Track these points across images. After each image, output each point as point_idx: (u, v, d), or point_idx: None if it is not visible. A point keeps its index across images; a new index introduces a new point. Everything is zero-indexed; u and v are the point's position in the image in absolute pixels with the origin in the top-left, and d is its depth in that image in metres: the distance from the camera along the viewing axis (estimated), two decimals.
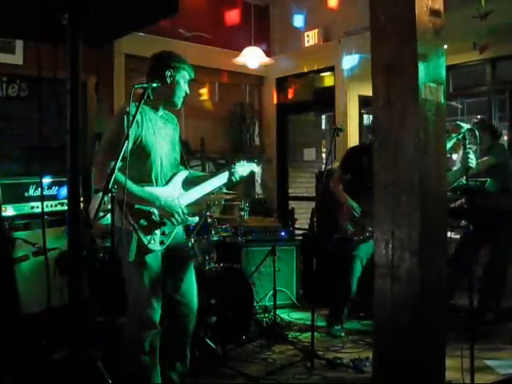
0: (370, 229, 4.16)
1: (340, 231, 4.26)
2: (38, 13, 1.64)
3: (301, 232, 5.80)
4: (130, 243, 2.54)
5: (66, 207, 1.63)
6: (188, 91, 2.77)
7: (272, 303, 4.24)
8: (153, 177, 2.67)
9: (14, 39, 4.60)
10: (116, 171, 2.18)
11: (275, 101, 7.14)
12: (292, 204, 6.81)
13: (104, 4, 1.61)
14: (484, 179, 4.10)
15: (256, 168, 3.08)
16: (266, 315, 4.43)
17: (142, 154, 2.60)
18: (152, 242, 2.60)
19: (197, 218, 2.87)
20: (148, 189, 2.63)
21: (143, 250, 2.57)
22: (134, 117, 2.33)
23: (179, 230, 2.80)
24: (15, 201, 3.69)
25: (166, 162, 2.72)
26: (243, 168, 2.97)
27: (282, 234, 5.16)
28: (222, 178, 2.90)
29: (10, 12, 1.63)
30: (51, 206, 3.94)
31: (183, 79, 2.72)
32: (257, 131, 7.18)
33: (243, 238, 4.68)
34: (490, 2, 4.36)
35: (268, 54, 6.51)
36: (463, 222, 4.38)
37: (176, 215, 2.65)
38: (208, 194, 2.94)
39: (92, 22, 1.63)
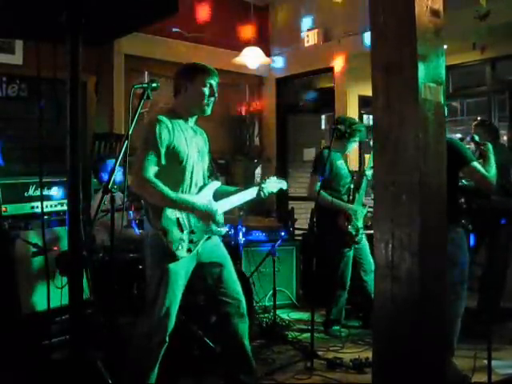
0: (361, 228, 4.17)
1: (340, 234, 4.20)
2: (37, 13, 1.64)
3: (301, 232, 5.80)
4: (160, 250, 2.59)
5: (65, 207, 1.63)
6: (212, 95, 2.76)
7: (272, 303, 4.24)
8: (185, 184, 2.70)
9: (14, 39, 4.60)
10: (116, 171, 2.21)
11: (275, 101, 7.13)
12: (292, 204, 6.80)
13: (104, 4, 1.61)
14: None
15: (285, 185, 3.17)
16: (266, 315, 4.43)
17: (174, 161, 2.63)
18: (180, 248, 2.61)
19: (226, 228, 2.99)
20: (182, 195, 2.67)
21: (170, 256, 2.59)
22: (134, 118, 2.34)
23: (214, 238, 2.83)
24: (15, 201, 3.69)
25: (197, 171, 2.76)
26: (272, 184, 3.05)
27: (282, 234, 5.16)
28: (251, 193, 2.99)
29: (9, 12, 1.63)
30: (51, 206, 3.94)
31: (203, 85, 2.72)
32: (257, 131, 7.18)
33: (243, 238, 4.68)
34: (490, 1, 4.36)
35: (268, 54, 6.51)
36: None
37: (215, 217, 2.72)
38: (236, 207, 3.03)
39: (92, 22, 1.63)
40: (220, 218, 2.79)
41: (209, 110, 2.78)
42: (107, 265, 3.51)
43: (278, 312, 4.30)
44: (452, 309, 3.24)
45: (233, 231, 4.60)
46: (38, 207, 3.74)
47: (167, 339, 2.63)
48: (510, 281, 4.33)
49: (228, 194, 2.94)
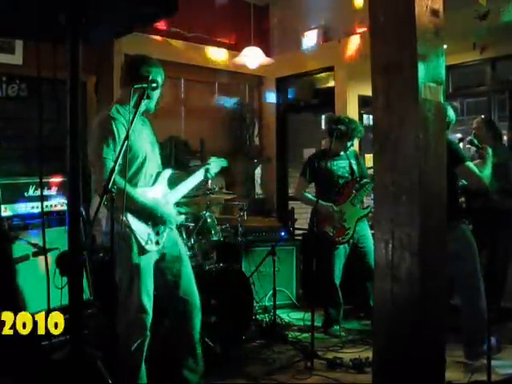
0: (348, 229, 4.18)
1: (322, 236, 4.22)
2: (37, 13, 1.64)
3: (301, 232, 5.80)
4: (130, 246, 2.59)
5: (65, 207, 1.63)
6: (160, 96, 2.80)
7: (272, 303, 4.24)
8: (141, 177, 2.71)
9: (14, 39, 4.60)
10: (115, 173, 2.21)
11: (275, 101, 7.13)
12: (292, 204, 6.80)
13: (104, 4, 1.61)
14: None
15: (225, 163, 3.25)
16: (266, 315, 4.42)
17: (129, 155, 2.55)
18: (149, 242, 2.64)
19: (183, 217, 3.17)
20: (140, 190, 2.68)
21: (140, 251, 2.61)
22: (134, 118, 2.34)
23: (173, 230, 2.86)
24: (15, 201, 3.69)
25: (150, 163, 2.76)
26: (216, 164, 3.14)
27: (282, 234, 5.16)
28: (199, 176, 3.06)
29: (9, 12, 1.63)
30: (51, 206, 3.94)
31: (159, 83, 2.72)
32: (256, 131, 7.18)
33: (243, 238, 4.67)
34: (490, 1, 4.36)
35: (268, 54, 6.51)
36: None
37: (169, 223, 2.76)
38: (192, 189, 3.11)
39: (92, 22, 1.63)
40: (174, 213, 2.83)
41: (154, 108, 2.81)
42: (107, 265, 3.50)
43: (277, 312, 4.29)
44: (473, 304, 3.29)
45: (233, 231, 4.60)
46: (37, 207, 3.74)
47: (148, 333, 2.64)
48: (510, 281, 4.32)
49: (180, 180, 2.99)
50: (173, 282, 2.81)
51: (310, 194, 4.39)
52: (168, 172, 2.92)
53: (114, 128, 2.55)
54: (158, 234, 2.71)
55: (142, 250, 2.62)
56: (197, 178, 3.05)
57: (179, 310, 2.83)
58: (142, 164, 2.69)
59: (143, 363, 2.67)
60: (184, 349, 2.87)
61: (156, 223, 2.70)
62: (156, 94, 2.75)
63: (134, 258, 2.60)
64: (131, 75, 2.66)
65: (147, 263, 2.66)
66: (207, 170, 3.08)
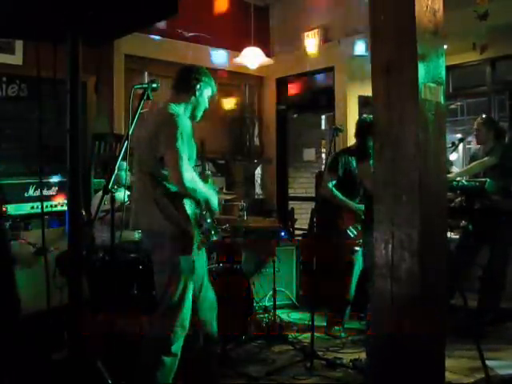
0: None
1: (340, 235, 4.19)
2: (37, 13, 1.64)
3: (301, 232, 5.81)
4: (191, 243, 2.65)
5: (65, 207, 1.64)
6: (208, 107, 2.92)
7: (272, 303, 4.24)
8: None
9: (14, 39, 4.60)
10: (116, 170, 2.21)
11: (275, 101, 7.13)
12: (292, 204, 6.80)
13: (104, 4, 1.61)
14: (484, 179, 4.10)
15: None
16: (266, 315, 4.42)
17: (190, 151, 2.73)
18: (200, 239, 2.74)
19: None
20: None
21: (196, 248, 2.70)
22: (134, 118, 2.34)
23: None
24: (15, 201, 3.69)
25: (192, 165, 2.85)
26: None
27: (282, 234, 5.16)
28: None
29: (9, 12, 1.63)
30: (51, 206, 3.94)
31: (207, 94, 2.88)
32: (256, 131, 7.18)
33: (243, 238, 4.67)
34: (490, 1, 4.36)
35: (268, 54, 6.51)
36: (463, 223, 4.38)
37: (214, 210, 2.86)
38: None
39: (91, 22, 1.63)
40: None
41: (200, 118, 2.94)
42: (107, 265, 3.50)
43: (278, 312, 4.29)
44: None
45: (233, 231, 4.60)
46: (37, 207, 3.74)
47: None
48: (510, 281, 4.33)
49: None
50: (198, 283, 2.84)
51: (338, 192, 4.22)
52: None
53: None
54: (203, 233, 2.79)
55: (197, 247, 2.71)
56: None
57: (198, 309, 2.85)
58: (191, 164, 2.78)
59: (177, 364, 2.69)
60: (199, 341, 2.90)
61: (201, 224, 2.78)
62: (203, 104, 2.88)
63: (194, 254, 2.68)
64: (181, 83, 2.85)
65: (199, 262, 2.76)
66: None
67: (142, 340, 2.74)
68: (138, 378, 2.65)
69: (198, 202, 2.74)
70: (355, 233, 4.17)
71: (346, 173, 4.21)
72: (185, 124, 2.68)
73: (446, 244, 2.40)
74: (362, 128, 3.99)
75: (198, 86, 2.81)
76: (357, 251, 4.18)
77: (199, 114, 2.90)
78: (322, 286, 4.30)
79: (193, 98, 2.82)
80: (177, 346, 2.64)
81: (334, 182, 4.25)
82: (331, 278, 4.34)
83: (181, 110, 2.76)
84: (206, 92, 2.87)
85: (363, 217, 4.09)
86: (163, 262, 2.68)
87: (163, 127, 2.66)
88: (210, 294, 2.93)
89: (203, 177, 2.93)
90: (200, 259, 2.78)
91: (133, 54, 5.78)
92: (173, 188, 2.66)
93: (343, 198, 4.14)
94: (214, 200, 2.82)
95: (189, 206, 2.68)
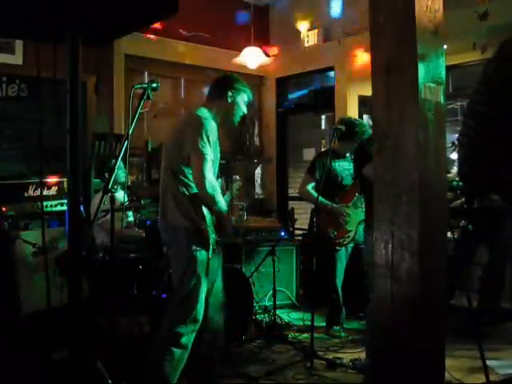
0: (350, 232, 4.17)
1: (323, 237, 4.20)
2: (37, 13, 1.64)
3: (301, 232, 5.80)
4: (206, 240, 2.72)
5: (65, 207, 1.64)
6: (246, 112, 3.05)
7: (272, 303, 4.24)
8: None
9: (14, 39, 4.60)
10: (116, 170, 2.22)
11: (275, 101, 7.13)
12: (292, 204, 6.80)
13: (104, 4, 1.61)
14: None
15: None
16: (266, 315, 4.43)
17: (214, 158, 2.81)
18: (214, 245, 2.80)
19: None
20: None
21: (212, 250, 2.76)
22: (134, 118, 2.34)
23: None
24: (15, 201, 3.68)
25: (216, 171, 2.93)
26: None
27: (282, 233, 5.16)
28: None
29: (9, 12, 1.63)
30: (51, 206, 3.94)
31: (242, 100, 3.00)
32: (256, 131, 7.18)
33: (243, 238, 4.67)
34: (490, 1, 4.36)
35: (268, 54, 6.51)
36: (463, 222, 4.38)
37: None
38: None
39: (91, 22, 1.63)
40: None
41: (237, 124, 3.10)
42: (107, 265, 3.50)
43: (277, 312, 4.30)
44: None
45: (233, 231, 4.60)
46: (37, 207, 3.73)
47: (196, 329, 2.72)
48: (509, 281, 4.33)
49: None
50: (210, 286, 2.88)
51: (314, 192, 4.30)
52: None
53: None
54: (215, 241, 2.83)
55: (212, 247, 2.76)
56: None
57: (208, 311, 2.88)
58: (215, 171, 2.85)
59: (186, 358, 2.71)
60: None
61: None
62: (238, 110, 2.99)
63: (209, 253, 2.73)
64: (215, 90, 3.00)
65: (214, 260, 2.81)
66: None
67: (152, 337, 2.80)
68: (147, 368, 2.68)
69: (212, 212, 2.81)
70: (335, 233, 4.18)
71: (326, 174, 4.16)
72: (211, 128, 2.76)
73: (445, 244, 2.40)
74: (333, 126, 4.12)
75: (230, 93, 2.93)
76: (339, 250, 4.20)
77: (235, 119, 3.03)
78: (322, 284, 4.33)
79: (225, 104, 2.93)
80: (187, 339, 2.68)
81: (312, 184, 4.37)
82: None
83: (209, 114, 2.84)
84: (241, 98, 2.98)
85: (349, 217, 4.15)
86: (179, 255, 2.77)
87: (189, 128, 2.77)
88: (220, 296, 2.98)
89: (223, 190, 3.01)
90: (213, 262, 2.82)
91: (133, 53, 5.78)
92: (194, 189, 2.74)
93: (321, 199, 4.08)
94: (227, 221, 2.91)
95: (207, 211, 2.77)
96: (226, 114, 2.96)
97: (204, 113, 2.82)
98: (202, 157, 2.66)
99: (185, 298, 2.70)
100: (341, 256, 4.24)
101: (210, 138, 2.70)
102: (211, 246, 2.75)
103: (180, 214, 2.73)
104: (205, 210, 2.76)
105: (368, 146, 3.66)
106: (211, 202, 2.74)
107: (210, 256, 2.74)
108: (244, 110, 3.04)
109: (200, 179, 2.67)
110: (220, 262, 2.99)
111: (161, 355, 2.66)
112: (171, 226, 2.79)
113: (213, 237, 2.78)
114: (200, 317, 2.72)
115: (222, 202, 2.78)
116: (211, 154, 2.70)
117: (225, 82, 3.00)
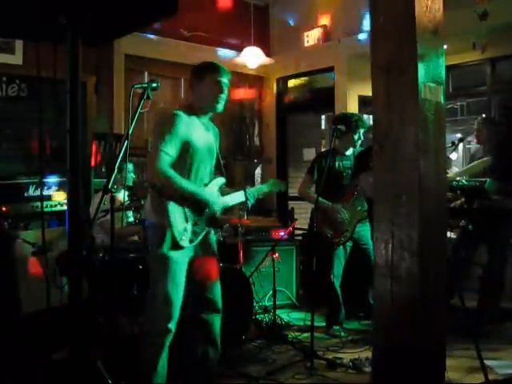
0: (347, 231, 4.18)
1: (321, 236, 4.21)
2: (37, 13, 1.64)
3: (301, 232, 5.80)
4: (164, 237, 2.66)
5: (65, 207, 1.64)
6: (224, 92, 2.84)
7: (272, 303, 4.24)
8: (191, 178, 2.78)
9: (14, 39, 4.60)
10: (122, 171, 2.22)
11: (275, 101, 7.13)
12: (292, 204, 6.80)
13: (103, 4, 1.61)
14: (484, 179, 4.09)
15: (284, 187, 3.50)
16: (266, 315, 4.42)
17: (183, 154, 2.71)
18: (183, 238, 2.70)
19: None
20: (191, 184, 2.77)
21: (173, 244, 2.67)
22: (134, 118, 2.34)
23: (211, 234, 2.95)
24: (15, 201, 3.69)
25: (203, 167, 2.84)
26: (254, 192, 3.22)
27: (282, 233, 5.16)
28: (240, 197, 3.10)
29: (9, 12, 1.63)
30: (51, 206, 3.94)
31: (213, 80, 2.80)
32: (256, 131, 7.17)
33: (243, 238, 4.67)
34: (490, 1, 4.36)
35: (268, 54, 6.51)
36: (463, 222, 4.38)
37: (213, 206, 2.83)
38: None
39: (91, 22, 1.63)
40: (219, 210, 2.90)
41: (220, 107, 2.87)
42: (107, 265, 3.50)
43: (277, 312, 4.29)
44: None
45: (233, 231, 4.60)
46: (37, 207, 3.74)
47: (173, 329, 2.66)
48: (510, 281, 4.32)
49: (223, 194, 3.04)
50: (197, 288, 2.84)
51: (312, 192, 4.36)
52: (221, 180, 3.00)
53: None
54: (194, 233, 2.76)
55: (176, 244, 2.67)
56: (238, 197, 3.08)
57: (203, 309, 2.87)
58: (192, 164, 2.76)
59: (165, 359, 2.68)
60: (202, 342, 2.90)
61: (196, 223, 2.77)
62: (212, 92, 2.81)
63: (166, 249, 2.66)
64: (188, 83, 2.93)
65: (179, 257, 2.70)
66: (247, 197, 3.12)
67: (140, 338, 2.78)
68: (137, 369, 2.70)
69: (195, 203, 2.75)
70: (331, 232, 4.18)
71: (327, 174, 4.15)
72: (175, 123, 2.68)
73: (445, 244, 2.40)
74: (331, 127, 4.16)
75: (197, 78, 2.82)
76: (336, 248, 4.21)
77: (213, 102, 2.83)
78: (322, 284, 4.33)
79: (198, 90, 2.82)
80: (160, 339, 2.65)
81: (311, 184, 4.41)
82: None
83: (179, 111, 2.75)
84: (210, 78, 2.79)
85: (347, 217, 4.15)
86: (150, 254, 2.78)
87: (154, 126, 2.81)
88: (216, 297, 2.92)
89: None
90: (183, 257, 2.73)
91: (133, 53, 5.78)
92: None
93: (321, 199, 4.08)
94: (203, 192, 2.80)
95: (175, 205, 2.69)
96: (202, 100, 2.83)
97: (172, 110, 2.76)
98: (155, 151, 2.61)
99: (155, 302, 2.68)
100: (339, 255, 4.23)
101: (172, 132, 2.63)
102: (170, 241, 2.65)
103: (151, 209, 2.74)
104: (172, 204, 2.68)
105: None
106: (173, 187, 2.64)
107: (172, 253, 2.66)
108: (220, 89, 2.81)
109: (151, 170, 2.67)
110: (209, 254, 2.92)
111: (141, 355, 2.68)
112: (144, 223, 2.83)
113: (184, 228, 2.69)
114: (173, 315, 2.67)
115: (188, 185, 2.71)
116: (172, 150, 2.63)
117: (192, 72, 2.90)
